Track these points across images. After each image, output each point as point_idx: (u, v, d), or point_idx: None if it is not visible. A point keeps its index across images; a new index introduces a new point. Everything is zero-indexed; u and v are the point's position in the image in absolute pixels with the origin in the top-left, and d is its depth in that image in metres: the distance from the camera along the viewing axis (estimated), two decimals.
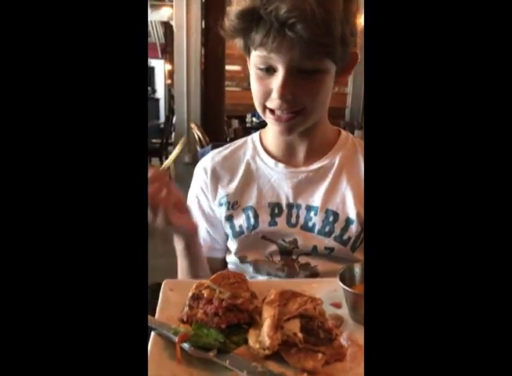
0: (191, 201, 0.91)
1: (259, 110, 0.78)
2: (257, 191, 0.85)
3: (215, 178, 0.88)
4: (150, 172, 0.67)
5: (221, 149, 0.93)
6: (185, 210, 0.76)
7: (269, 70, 0.72)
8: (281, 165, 0.85)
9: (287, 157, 0.86)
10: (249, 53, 0.75)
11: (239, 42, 0.75)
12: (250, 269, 0.84)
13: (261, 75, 0.74)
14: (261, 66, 0.72)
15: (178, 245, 0.80)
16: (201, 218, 0.90)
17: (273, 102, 0.73)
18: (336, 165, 0.84)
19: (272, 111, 0.75)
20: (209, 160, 0.90)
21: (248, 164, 0.87)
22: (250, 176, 0.86)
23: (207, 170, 0.89)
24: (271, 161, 0.86)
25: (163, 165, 0.77)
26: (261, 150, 0.88)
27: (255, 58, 0.73)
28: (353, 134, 0.92)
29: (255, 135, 0.92)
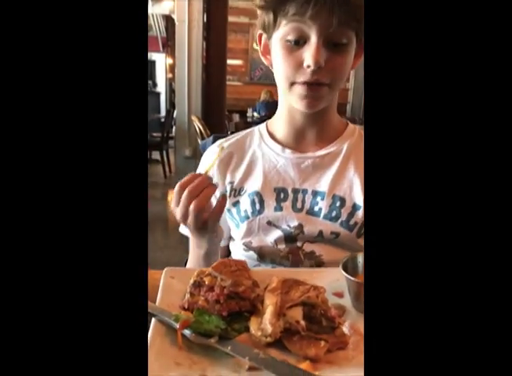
0: None
1: (286, 86, 0.77)
2: (263, 177, 0.85)
3: (222, 165, 0.87)
4: (200, 178, 0.67)
5: (228, 137, 0.93)
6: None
7: (299, 42, 0.72)
8: (288, 151, 0.85)
9: (295, 144, 0.86)
10: (275, 27, 0.75)
11: (266, 17, 0.75)
12: (255, 256, 0.84)
13: (290, 48, 0.73)
14: (292, 38, 0.72)
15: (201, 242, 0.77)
16: None
17: (305, 72, 0.72)
18: (343, 152, 0.84)
19: (301, 84, 0.74)
20: (216, 148, 0.91)
21: (254, 152, 0.88)
22: (255, 163, 0.86)
23: (215, 158, 0.87)
24: (277, 147, 0.86)
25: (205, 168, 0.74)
26: (267, 137, 0.88)
27: (286, 29, 0.72)
28: None
29: (262, 125, 0.92)
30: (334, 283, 0.64)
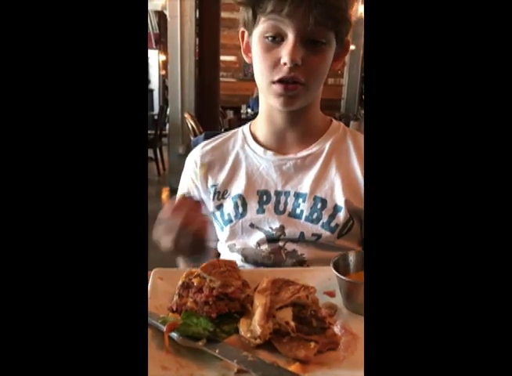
0: (181, 192, 0.90)
1: (264, 85, 0.76)
2: (246, 179, 0.84)
3: (205, 168, 0.88)
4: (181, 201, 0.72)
5: (211, 140, 0.92)
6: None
7: (276, 39, 0.72)
8: (270, 153, 0.84)
9: (276, 145, 0.85)
10: (254, 25, 0.75)
11: (246, 14, 0.75)
12: (239, 257, 0.83)
13: (268, 45, 0.73)
14: (270, 35, 0.72)
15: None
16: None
17: (282, 69, 0.72)
18: (325, 152, 0.83)
19: (277, 83, 0.74)
20: (198, 151, 0.90)
21: (237, 154, 0.87)
22: (238, 165, 0.86)
23: (197, 161, 0.89)
24: (260, 149, 0.85)
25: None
26: (250, 139, 0.88)
27: (264, 26, 0.72)
28: (348, 125, 0.92)
29: (245, 126, 0.92)
30: (326, 282, 0.64)
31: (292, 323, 0.50)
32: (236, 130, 0.93)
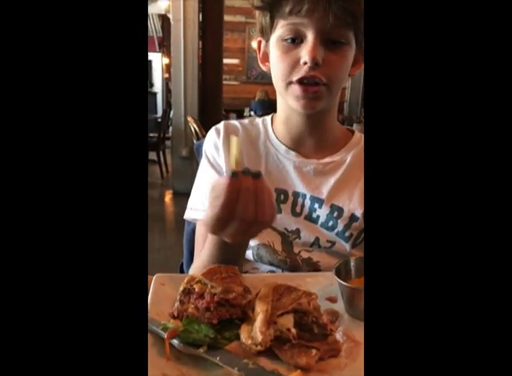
0: (204, 162, 0.87)
1: (282, 85, 0.75)
2: (266, 176, 0.82)
3: (226, 141, 0.85)
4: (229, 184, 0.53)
5: (233, 121, 0.90)
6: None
7: (296, 41, 0.71)
8: (293, 153, 0.83)
9: (297, 147, 0.84)
10: (272, 30, 0.75)
11: (263, 19, 0.75)
12: (251, 256, 0.82)
13: (287, 47, 0.72)
14: (289, 37, 0.71)
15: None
16: (213, 175, 0.85)
17: (302, 69, 0.71)
18: (347, 163, 0.83)
19: (297, 83, 0.72)
20: (222, 125, 0.88)
21: (258, 147, 0.85)
22: (259, 160, 0.84)
23: (220, 131, 0.86)
24: (282, 148, 0.84)
25: (232, 162, 0.57)
26: (272, 135, 0.86)
27: (282, 29, 0.72)
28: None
29: (266, 120, 0.89)
30: (328, 287, 0.63)
31: (293, 330, 0.49)
32: (255, 121, 0.90)
